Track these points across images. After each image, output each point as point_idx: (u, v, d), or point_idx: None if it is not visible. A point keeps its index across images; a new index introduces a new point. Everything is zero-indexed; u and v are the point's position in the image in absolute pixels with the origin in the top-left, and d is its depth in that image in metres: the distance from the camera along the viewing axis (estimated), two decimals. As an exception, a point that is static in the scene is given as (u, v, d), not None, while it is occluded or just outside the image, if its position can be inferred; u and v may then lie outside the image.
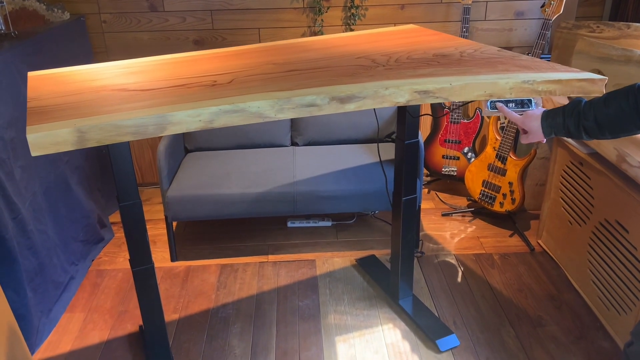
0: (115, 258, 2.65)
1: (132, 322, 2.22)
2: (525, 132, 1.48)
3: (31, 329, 2.03)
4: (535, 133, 1.44)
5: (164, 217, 2.53)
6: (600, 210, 2.13)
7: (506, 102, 1.53)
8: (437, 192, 3.21)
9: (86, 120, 1.26)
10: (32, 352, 2.04)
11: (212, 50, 1.94)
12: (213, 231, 2.87)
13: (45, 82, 1.62)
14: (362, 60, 1.69)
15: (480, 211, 2.96)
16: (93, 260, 2.62)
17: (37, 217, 2.14)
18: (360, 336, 2.11)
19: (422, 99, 1.44)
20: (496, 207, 2.79)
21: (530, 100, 1.54)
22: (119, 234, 2.83)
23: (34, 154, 1.21)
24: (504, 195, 2.74)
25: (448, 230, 2.82)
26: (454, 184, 3.27)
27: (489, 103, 1.55)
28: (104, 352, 2.06)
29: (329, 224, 2.88)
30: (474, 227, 2.85)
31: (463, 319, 2.19)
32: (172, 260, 2.61)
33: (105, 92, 1.48)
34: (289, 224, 2.88)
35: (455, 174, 3.06)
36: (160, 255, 2.66)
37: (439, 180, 3.31)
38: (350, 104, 1.40)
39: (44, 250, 2.15)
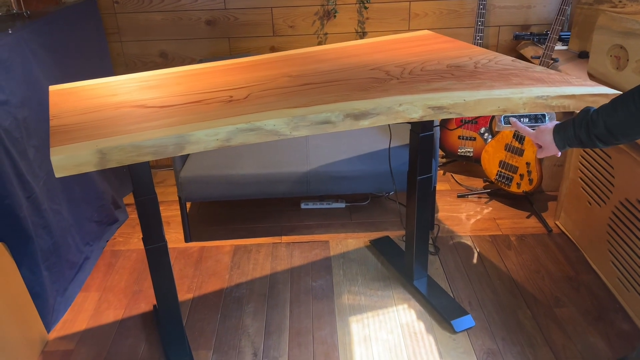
0: (129, 239, 2.65)
1: (147, 301, 2.23)
2: (539, 146, 1.48)
3: (47, 307, 2.05)
4: (549, 147, 1.43)
5: (177, 198, 2.53)
6: (621, 190, 2.08)
7: (520, 117, 1.51)
8: (452, 174, 3.17)
9: (107, 141, 1.28)
10: (48, 331, 2.06)
11: (228, 60, 1.95)
12: (226, 212, 2.86)
13: (66, 97, 1.63)
14: (376, 72, 1.69)
15: (496, 192, 2.91)
16: (107, 240, 2.63)
17: (51, 197, 2.14)
18: (374, 316, 2.09)
19: (436, 115, 1.45)
20: (513, 188, 2.74)
21: (544, 115, 1.52)
22: (133, 215, 2.84)
23: (57, 175, 1.24)
24: (521, 176, 2.69)
25: (464, 212, 2.78)
26: (470, 165, 3.22)
27: (502, 118, 1.54)
28: (119, 331, 2.07)
29: (342, 205, 2.86)
30: (490, 208, 2.81)
31: (479, 300, 2.16)
32: (186, 241, 2.61)
33: (125, 109, 1.49)
34: (303, 206, 2.86)
35: (472, 155, 3.02)
36: (174, 236, 2.66)
37: (454, 162, 3.26)
38: (364, 120, 1.42)
39: (58, 230, 2.16)
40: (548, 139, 1.41)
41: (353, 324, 2.06)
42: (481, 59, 1.79)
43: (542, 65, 2.56)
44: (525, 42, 2.98)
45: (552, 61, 2.55)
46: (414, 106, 1.43)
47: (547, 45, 2.54)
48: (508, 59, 1.79)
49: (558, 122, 1.42)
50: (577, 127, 1.31)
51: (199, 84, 1.69)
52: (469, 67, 1.71)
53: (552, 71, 1.66)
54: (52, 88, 1.73)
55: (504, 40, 3.05)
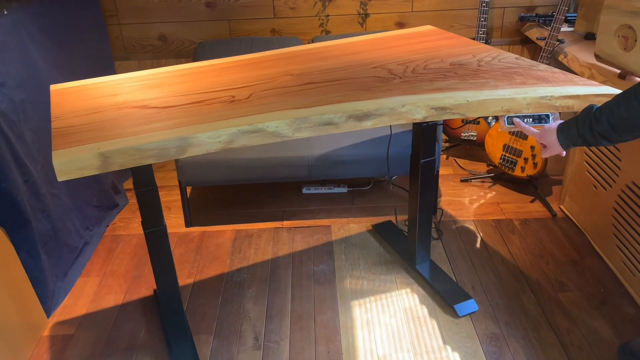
0: (129, 224, 2.63)
1: (147, 286, 2.21)
2: (544, 146, 1.46)
3: (46, 292, 2.03)
4: (554, 146, 1.42)
5: (177, 183, 2.50)
6: (628, 173, 2.04)
7: (523, 117, 1.51)
8: (455, 158, 3.14)
9: (109, 144, 1.28)
10: (48, 315, 2.04)
11: (230, 58, 1.93)
12: (227, 197, 2.84)
13: (68, 97, 1.62)
14: (379, 71, 1.67)
15: (500, 177, 2.88)
16: (108, 225, 2.61)
17: (50, 181, 2.12)
18: (376, 301, 2.08)
19: (439, 115, 1.45)
20: (517, 172, 2.71)
21: (547, 116, 1.53)
22: (134, 200, 2.81)
23: (60, 179, 1.24)
24: (526, 160, 2.66)
25: (467, 196, 2.75)
26: (473, 149, 3.18)
27: (505, 118, 1.55)
28: (119, 316, 2.06)
29: (344, 190, 2.83)
30: (494, 192, 2.78)
31: (482, 285, 2.14)
32: (187, 225, 2.59)
33: (127, 110, 1.49)
34: (304, 191, 2.84)
35: (475, 139, 2.98)
36: (174, 221, 2.64)
37: (458, 146, 3.23)
38: (367, 121, 1.41)
39: (57, 214, 2.13)
40: (552, 139, 1.40)
41: (355, 308, 2.04)
42: (484, 57, 1.78)
43: (548, 47, 2.52)
44: (530, 23, 2.93)
45: (557, 42, 2.50)
46: (417, 107, 1.43)
47: (552, 26, 2.49)
48: (512, 57, 1.78)
49: (562, 121, 1.41)
50: (580, 126, 1.30)
51: (201, 82, 1.68)
52: (473, 65, 1.70)
53: (557, 70, 1.65)
54: (53, 87, 1.73)
55: (509, 22, 3.00)
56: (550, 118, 1.52)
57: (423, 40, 2.02)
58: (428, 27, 2.19)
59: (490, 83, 1.54)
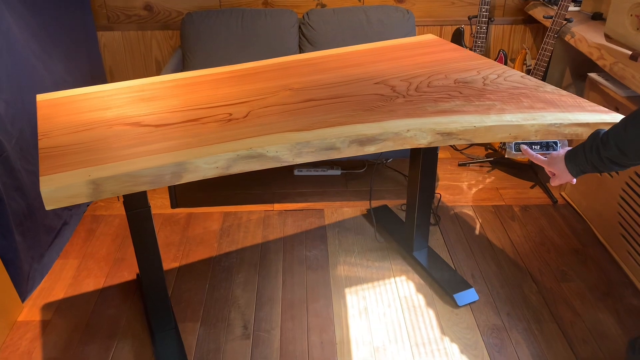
0: (111, 203, 2.51)
1: (130, 270, 2.09)
2: (553, 174, 1.38)
3: (21, 275, 1.91)
4: (563, 174, 1.34)
5: (163, 161, 2.38)
6: (636, 159, 1.95)
7: (531, 144, 1.48)
8: (452, 142, 3.03)
9: (100, 169, 1.20)
10: (23, 300, 1.93)
11: (226, 67, 1.83)
12: (216, 178, 2.70)
13: (56, 111, 1.52)
14: (381, 87, 1.61)
15: (499, 161, 2.79)
16: (88, 205, 2.48)
17: (25, 157, 1.98)
18: (371, 288, 1.98)
19: (445, 141, 1.40)
20: (518, 156, 2.62)
21: (555, 143, 1.49)
22: (116, 179, 2.68)
23: (48, 208, 1.16)
24: (527, 144, 2.56)
25: (465, 181, 2.66)
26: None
27: (513, 145, 1.47)
28: (99, 301, 1.94)
29: (338, 172, 2.72)
30: (493, 177, 2.68)
31: (482, 273, 2.05)
32: (173, 207, 2.47)
33: (118, 127, 1.40)
34: (296, 172, 2.72)
35: (474, 121, 2.88)
36: (159, 201, 2.52)
37: (454, 129, 3.12)
38: (370, 146, 1.36)
39: (33, 193, 2.00)
40: (561, 167, 1.33)
41: (349, 296, 1.95)
42: (489, 74, 1.72)
43: (555, 26, 2.41)
44: (534, 2, 2.81)
45: (565, 22, 2.39)
46: (422, 132, 1.37)
47: (560, 4, 2.38)
48: (517, 75, 1.72)
49: (570, 148, 1.34)
50: (587, 152, 1.24)
51: (196, 96, 1.58)
52: (478, 83, 1.64)
53: (564, 92, 1.59)
54: (39, 97, 1.61)
55: (512, 0, 2.88)
56: (558, 145, 1.46)
57: (426, 51, 1.94)
58: (430, 37, 2.10)
59: (497, 106, 1.48)
